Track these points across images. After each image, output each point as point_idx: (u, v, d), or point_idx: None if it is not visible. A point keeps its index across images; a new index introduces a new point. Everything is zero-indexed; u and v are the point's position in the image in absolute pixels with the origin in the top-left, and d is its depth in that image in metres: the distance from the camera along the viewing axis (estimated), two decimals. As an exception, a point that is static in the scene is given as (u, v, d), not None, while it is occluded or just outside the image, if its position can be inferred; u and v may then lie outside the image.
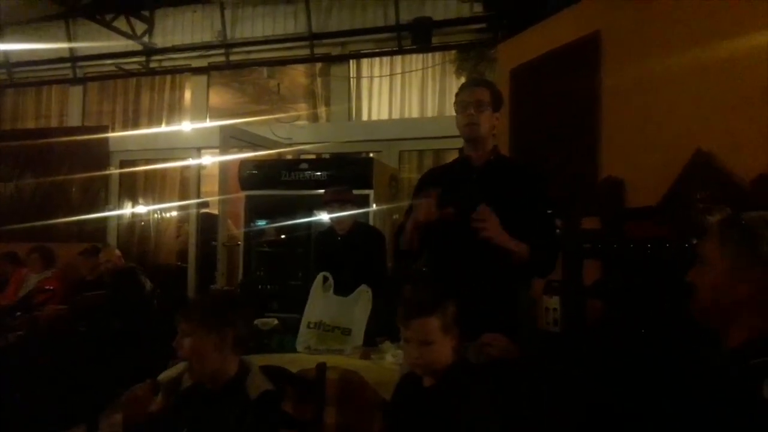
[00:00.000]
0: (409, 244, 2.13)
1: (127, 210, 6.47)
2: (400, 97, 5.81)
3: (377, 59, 5.86)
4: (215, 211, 5.32)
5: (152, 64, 6.47)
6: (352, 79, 5.90)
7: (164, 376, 1.78)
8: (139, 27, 6.19)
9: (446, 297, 1.73)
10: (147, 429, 1.77)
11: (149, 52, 6.35)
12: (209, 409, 1.73)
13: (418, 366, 1.70)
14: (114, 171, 6.38)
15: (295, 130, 5.85)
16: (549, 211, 2.13)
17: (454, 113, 2.22)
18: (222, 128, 5.11)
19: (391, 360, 2.65)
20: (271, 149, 5.54)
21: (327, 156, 5.77)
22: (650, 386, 1.57)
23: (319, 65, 6.07)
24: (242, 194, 4.75)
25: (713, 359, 1.26)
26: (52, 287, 4.79)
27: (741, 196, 2.39)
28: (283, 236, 4.70)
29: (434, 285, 1.97)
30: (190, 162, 6.19)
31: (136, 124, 6.56)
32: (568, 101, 3.53)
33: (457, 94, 2.20)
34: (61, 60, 6.66)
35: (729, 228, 1.27)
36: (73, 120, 6.81)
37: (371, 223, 4.20)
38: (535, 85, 3.82)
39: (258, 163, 4.90)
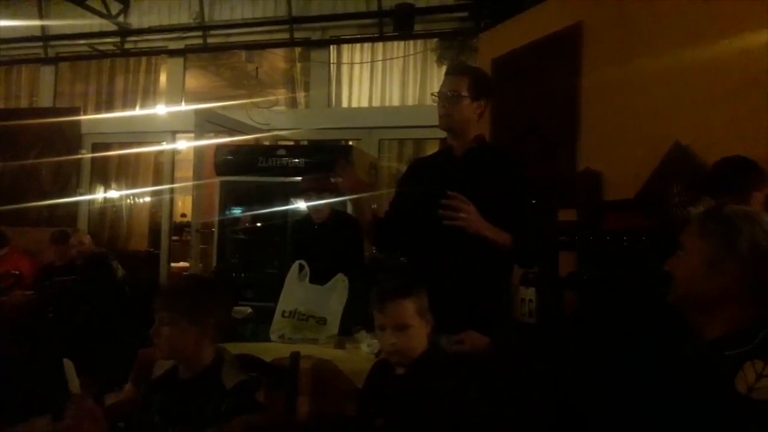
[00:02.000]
0: (373, 238, 2.20)
1: (99, 195, 6.35)
2: (380, 84, 5.76)
3: (358, 45, 5.80)
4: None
5: (127, 45, 6.33)
6: (332, 65, 5.83)
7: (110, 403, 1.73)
8: (114, 6, 6.04)
9: (419, 283, 1.73)
10: (116, 418, 1.73)
11: (124, 32, 6.21)
12: (183, 398, 1.69)
13: (395, 353, 1.68)
14: (86, 155, 6.24)
15: (273, 116, 5.77)
16: (533, 201, 2.10)
17: (435, 102, 2.19)
18: (197, 112, 5.00)
19: (366, 350, 2.63)
20: (248, 134, 5.46)
21: (305, 143, 5.71)
22: (626, 378, 1.57)
23: (298, 50, 5.99)
24: (217, 180, 4.68)
25: (689, 351, 1.26)
26: (18, 272, 4.67)
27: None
28: (258, 224, 4.64)
29: (406, 272, 1.95)
30: (165, 146, 6.08)
31: (109, 107, 6.41)
32: (549, 92, 3.53)
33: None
34: (33, 38, 6.48)
35: (710, 220, 1.27)
36: (44, 101, 6.65)
37: (349, 211, 4.16)
38: (516, 75, 3.81)
39: (234, 149, 4.83)
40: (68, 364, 1.59)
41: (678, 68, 2.75)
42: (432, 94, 2.15)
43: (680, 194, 2.60)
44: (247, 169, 4.58)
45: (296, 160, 4.54)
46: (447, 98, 2.07)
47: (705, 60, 2.64)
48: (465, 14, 5.10)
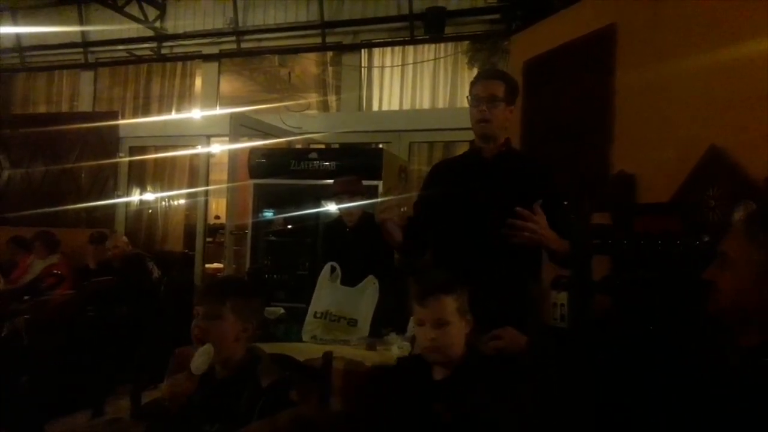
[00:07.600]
0: (397, 245, 2.18)
1: (136, 197, 6.49)
2: (411, 87, 5.77)
3: (389, 49, 5.82)
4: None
5: (163, 51, 6.47)
6: (363, 69, 5.86)
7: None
8: (151, 12, 6.19)
9: (461, 281, 1.72)
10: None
11: (161, 38, 6.34)
12: (220, 396, 1.73)
13: (433, 350, 1.66)
14: (124, 158, 6.40)
15: (305, 119, 5.83)
16: (563, 203, 2.08)
17: (465, 105, 2.19)
18: (232, 116, 5.09)
19: (397, 352, 2.65)
20: (281, 138, 5.53)
21: (336, 146, 5.75)
22: (660, 384, 1.55)
23: (330, 54, 6.04)
24: (251, 182, 4.75)
25: (727, 357, 1.24)
26: (59, 272, 4.80)
27: (755, 193, 2.36)
28: (290, 226, 4.70)
29: (449, 269, 1.93)
30: (200, 150, 6.19)
31: (146, 111, 6.56)
32: (581, 94, 3.49)
33: (471, 85, 2.16)
34: (73, 45, 6.66)
35: (756, 226, 1.22)
36: (84, 105, 6.83)
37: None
38: (548, 77, 3.78)
39: (267, 152, 4.89)
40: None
41: (713, 69, 2.70)
42: (467, 97, 2.14)
43: (716, 198, 2.56)
44: (279, 172, 4.64)
45: (327, 163, 4.58)
46: (486, 102, 2.05)
47: (741, 61, 2.58)
48: (496, 16, 5.08)
